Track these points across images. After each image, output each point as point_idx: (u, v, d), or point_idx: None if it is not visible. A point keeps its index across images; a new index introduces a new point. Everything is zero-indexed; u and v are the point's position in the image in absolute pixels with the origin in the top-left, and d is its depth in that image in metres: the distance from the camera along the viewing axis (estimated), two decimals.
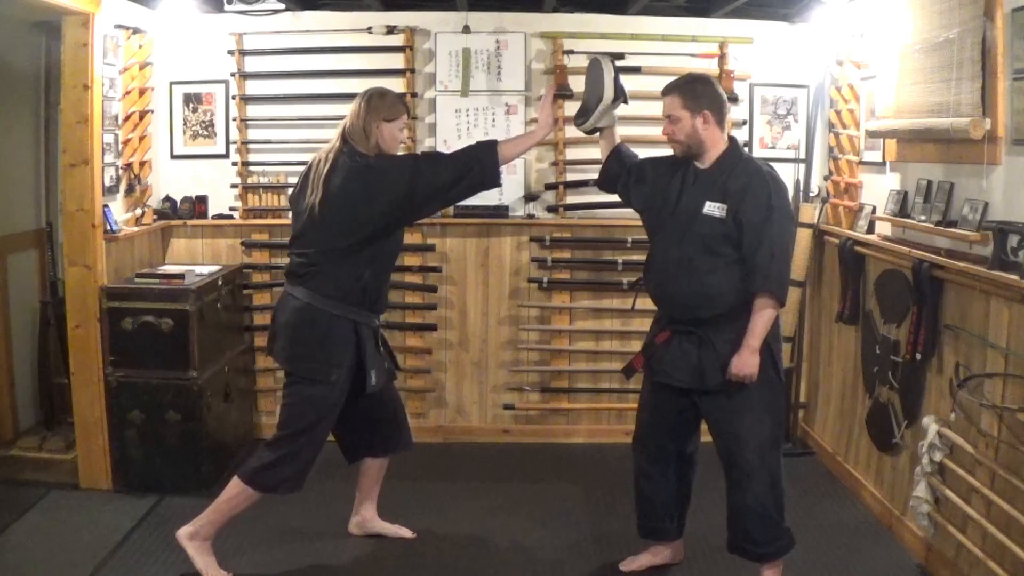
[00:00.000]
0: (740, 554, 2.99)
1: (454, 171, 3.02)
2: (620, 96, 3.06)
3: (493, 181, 3.07)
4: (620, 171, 3.15)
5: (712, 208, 2.85)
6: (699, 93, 2.88)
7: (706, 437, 3.09)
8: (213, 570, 3.12)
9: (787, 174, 4.31)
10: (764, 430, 2.91)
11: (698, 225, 2.86)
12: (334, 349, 3.06)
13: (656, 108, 3.07)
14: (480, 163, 3.02)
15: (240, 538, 3.41)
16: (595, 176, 3.30)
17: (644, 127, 4.33)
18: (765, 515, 2.91)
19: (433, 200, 3.07)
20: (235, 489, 3.11)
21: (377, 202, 2.97)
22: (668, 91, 2.94)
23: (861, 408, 3.89)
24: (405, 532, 3.51)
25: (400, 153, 3.24)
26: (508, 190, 4.50)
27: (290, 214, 3.34)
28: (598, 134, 3.22)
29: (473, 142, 3.18)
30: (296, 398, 3.11)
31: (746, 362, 2.81)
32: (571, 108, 4.41)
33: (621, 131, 4.42)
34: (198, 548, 3.13)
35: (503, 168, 3.11)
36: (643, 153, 3.19)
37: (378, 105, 3.07)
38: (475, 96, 4.48)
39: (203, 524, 3.13)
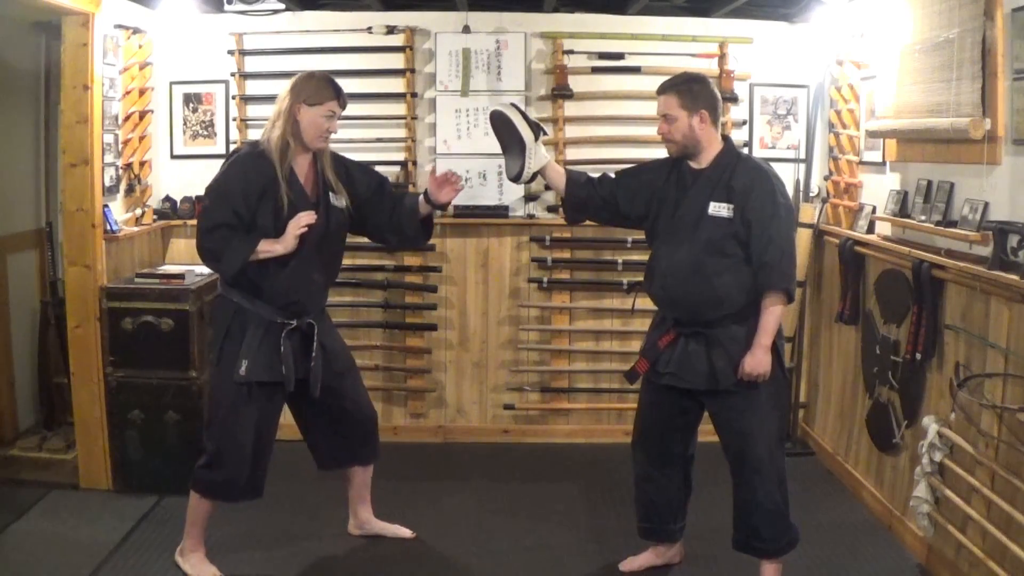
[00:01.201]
0: (748, 551, 2.99)
1: (206, 233, 2.91)
2: (539, 131, 3.00)
3: (225, 270, 2.96)
4: (590, 194, 3.06)
5: (719, 208, 2.84)
6: (696, 93, 2.87)
7: (704, 436, 3.09)
8: (200, 568, 3.12)
9: (787, 174, 4.31)
10: (771, 427, 2.92)
11: (704, 227, 2.85)
12: (218, 330, 3.04)
13: (656, 109, 3.05)
14: (226, 254, 2.90)
15: (239, 539, 3.42)
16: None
17: (644, 127, 4.34)
18: (775, 511, 2.91)
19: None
20: (190, 497, 3.12)
21: None
22: (664, 90, 2.92)
23: (861, 408, 3.88)
24: (404, 532, 3.50)
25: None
26: (508, 190, 4.51)
27: None
28: (540, 177, 3.09)
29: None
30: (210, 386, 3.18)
31: (759, 361, 2.81)
32: (570, 108, 4.46)
33: (621, 131, 4.50)
34: (185, 560, 3.16)
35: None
36: (643, 153, 3.18)
37: (301, 87, 2.94)
38: (475, 96, 4.47)
39: (184, 540, 3.17)
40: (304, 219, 2.92)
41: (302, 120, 2.93)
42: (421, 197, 3.17)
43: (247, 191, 2.90)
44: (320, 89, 2.94)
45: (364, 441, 3.32)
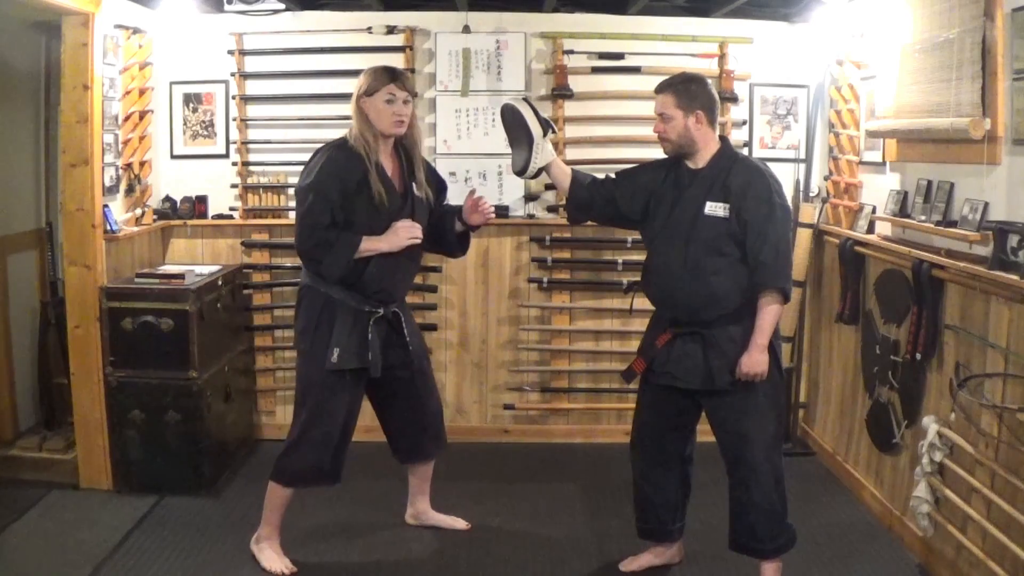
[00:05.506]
0: (744, 552, 2.99)
1: (307, 234, 2.96)
2: (548, 128, 3.02)
3: (329, 272, 2.99)
4: (592, 195, 3.06)
5: (715, 208, 2.84)
6: (694, 93, 2.88)
7: (703, 436, 3.09)
8: (274, 562, 3.18)
9: (787, 174, 4.31)
10: (768, 427, 2.92)
11: (700, 226, 2.85)
12: (308, 320, 3.08)
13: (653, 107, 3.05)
14: (330, 255, 2.96)
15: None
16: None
17: (645, 127, 4.32)
18: (771, 511, 2.92)
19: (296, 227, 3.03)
20: (268, 488, 3.19)
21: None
22: (661, 89, 2.93)
23: (861, 408, 3.88)
24: (460, 524, 3.56)
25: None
26: (508, 190, 4.51)
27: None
28: (544, 174, 3.09)
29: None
30: (296, 375, 3.23)
31: (756, 361, 2.81)
32: (570, 108, 4.46)
33: (621, 131, 4.50)
34: (260, 549, 3.23)
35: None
36: (643, 153, 3.17)
37: (360, 83, 3.05)
38: (475, 96, 4.47)
39: (260, 528, 3.24)
40: (417, 231, 3.06)
41: (369, 112, 3.01)
42: (458, 214, 3.25)
43: (344, 188, 2.97)
44: (375, 77, 3.03)
45: (435, 434, 3.42)
